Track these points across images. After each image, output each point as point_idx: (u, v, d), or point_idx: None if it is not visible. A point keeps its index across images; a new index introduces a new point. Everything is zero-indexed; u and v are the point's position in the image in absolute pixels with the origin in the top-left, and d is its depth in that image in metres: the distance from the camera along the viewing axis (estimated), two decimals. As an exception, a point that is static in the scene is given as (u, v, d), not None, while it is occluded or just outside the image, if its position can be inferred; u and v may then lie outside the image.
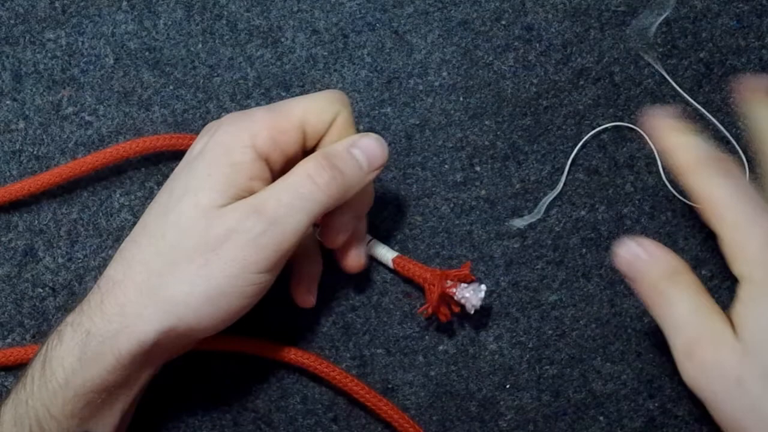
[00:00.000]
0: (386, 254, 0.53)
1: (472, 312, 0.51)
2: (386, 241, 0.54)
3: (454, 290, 0.51)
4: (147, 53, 0.57)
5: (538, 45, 0.56)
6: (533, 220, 0.54)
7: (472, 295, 0.50)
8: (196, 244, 0.44)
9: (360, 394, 0.52)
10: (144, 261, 0.45)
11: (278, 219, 0.44)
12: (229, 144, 0.46)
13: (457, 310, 0.51)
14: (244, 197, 0.45)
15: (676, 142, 0.46)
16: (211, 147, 0.46)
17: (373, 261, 0.54)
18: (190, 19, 0.57)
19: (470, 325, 0.54)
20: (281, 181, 0.46)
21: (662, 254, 0.46)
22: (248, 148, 0.45)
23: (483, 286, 0.51)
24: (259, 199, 0.45)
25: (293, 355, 0.52)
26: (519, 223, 0.54)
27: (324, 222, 0.50)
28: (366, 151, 0.47)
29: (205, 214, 0.45)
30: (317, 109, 0.47)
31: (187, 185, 0.46)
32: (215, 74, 0.57)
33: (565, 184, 0.55)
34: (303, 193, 0.45)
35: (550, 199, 0.55)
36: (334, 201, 0.46)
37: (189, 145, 0.50)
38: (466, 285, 0.51)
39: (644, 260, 0.46)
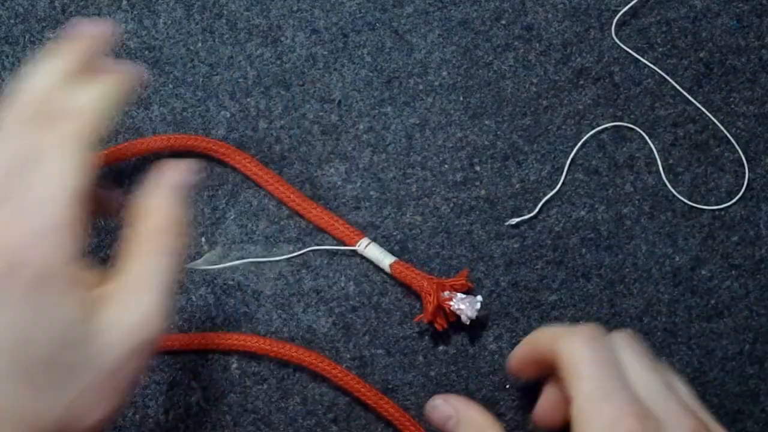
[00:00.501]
0: (384, 259, 0.53)
1: (468, 323, 0.51)
2: (386, 240, 0.54)
3: (450, 303, 0.51)
4: (146, 52, 0.57)
5: (538, 45, 0.56)
6: (526, 217, 0.54)
7: (467, 308, 0.51)
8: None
9: (361, 392, 0.52)
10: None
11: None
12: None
13: (453, 319, 0.52)
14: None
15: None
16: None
17: (371, 264, 0.54)
18: (190, 18, 0.57)
19: (469, 323, 0.54)
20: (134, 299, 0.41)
21: (471, 415, 0.47)
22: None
23: (479, 297, 0.52)
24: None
25: (294, 352, 0.52)
26: (512, 219, 0.54)
27: None
28: (177, 189, 0.43)
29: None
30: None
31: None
32: (215, 73, 0.57)
33: (564, 183, 0.55)
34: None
35: (548, 197, 0.55)
36: None
37: (185, 145, 0.51)
38: (463, 296, 0.52)
39: (454, 422, 0.47)
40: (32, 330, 0.38)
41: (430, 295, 0.51)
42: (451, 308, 0.51)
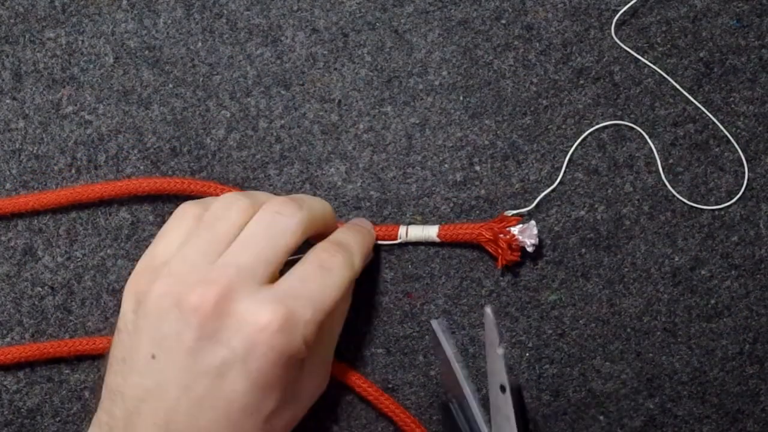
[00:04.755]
0: (429, 233, 0.54)
1: (533, 250, 0.52)
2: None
3: (516, 237, 0.52)
4: (147, 52, 0.57)
5: (537, 44, 0.56)
6: (524, 210, 0.54)
7: (529, 235, 0.52)
8: None
9: (363, 388, 0.52)
10: None
11: None
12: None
13: (518, 254, 0.53)
14: None
15: None
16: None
17: (371, 263, 0.54)
18: (190, 18, 0.57)
19: (470, 323, 0.54)
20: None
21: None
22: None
23: (532, 222, 0.53)
24: None
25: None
26: (507, 212, 0.54)
27: None
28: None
29: None
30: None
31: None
32: (215, 73, 0.57)
33: (564, 183, 0.55)
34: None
35: (545, 192, 0.55)
36: None
37: (202, 192, 0.53)
38: (519, 227, 0.52)
39: None
40: (268, 398, 0.45)
41: (493, 238, 0.52)
42: (516, 242, 0.52)
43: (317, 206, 0.51)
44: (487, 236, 0.52)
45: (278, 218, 0.47)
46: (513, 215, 0.54)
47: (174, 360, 0.44)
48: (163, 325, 0.45)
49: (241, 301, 0.44)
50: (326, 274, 0.47)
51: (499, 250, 0.52)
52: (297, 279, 0.47)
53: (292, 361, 0.45)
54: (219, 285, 0.45)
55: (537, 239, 0.52)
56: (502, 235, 0.52)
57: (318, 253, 0.48)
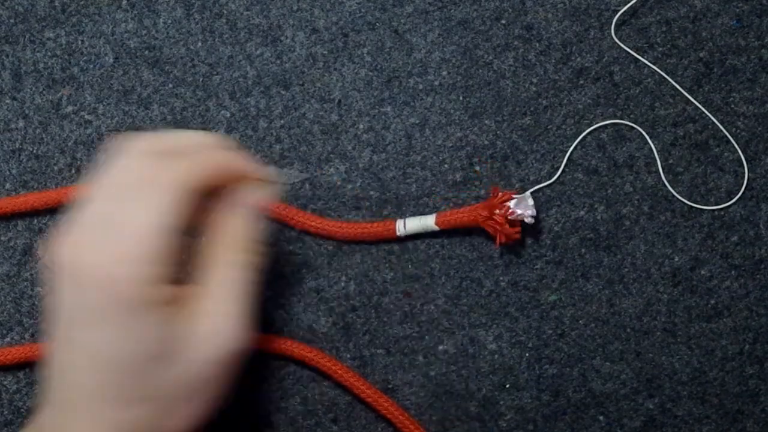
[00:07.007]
0: (427, 222, 0.54)
1: (532, 221, 0.52)
2: (387, 240, 0.54)
3: (511, 212, 0.52)
4: (146, 52, 0.57)
5: (537, 44, 0.56)
6: (516, 196, 0.54)
7: (525, 208, 0.52)
8: None
9: (361, 390, 0.52)
10: None
11: None
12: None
13: (517, 229, 0.52)
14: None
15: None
16: None
17: (371, 263, 0.54)
18: (190, 18, 0.57)
19: (470, 323, 0.54)
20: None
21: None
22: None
23: (526, 194, 0.53)
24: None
25: (295, 348, 0.52)
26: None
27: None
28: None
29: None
30: None
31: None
32: (215, 73, 0.57)
33: (564, 183, 0.55)
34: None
35: (542, 185, 0.55)
36: None
37: None
38: (514, 202, 0.52)
39: None
40: (122, 347, 0.41)
41: (492, 216, 0.52)
42: (513, 216, 0.52)
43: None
44: (483, 214, 0.52)
45: None
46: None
47: None
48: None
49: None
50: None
51: (497, 227, 0.52)
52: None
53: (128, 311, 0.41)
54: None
55: (534, 210, 0.52)
56: (498, 210, 0.52)
57: None
